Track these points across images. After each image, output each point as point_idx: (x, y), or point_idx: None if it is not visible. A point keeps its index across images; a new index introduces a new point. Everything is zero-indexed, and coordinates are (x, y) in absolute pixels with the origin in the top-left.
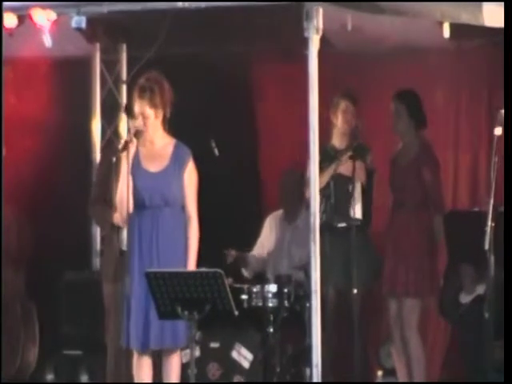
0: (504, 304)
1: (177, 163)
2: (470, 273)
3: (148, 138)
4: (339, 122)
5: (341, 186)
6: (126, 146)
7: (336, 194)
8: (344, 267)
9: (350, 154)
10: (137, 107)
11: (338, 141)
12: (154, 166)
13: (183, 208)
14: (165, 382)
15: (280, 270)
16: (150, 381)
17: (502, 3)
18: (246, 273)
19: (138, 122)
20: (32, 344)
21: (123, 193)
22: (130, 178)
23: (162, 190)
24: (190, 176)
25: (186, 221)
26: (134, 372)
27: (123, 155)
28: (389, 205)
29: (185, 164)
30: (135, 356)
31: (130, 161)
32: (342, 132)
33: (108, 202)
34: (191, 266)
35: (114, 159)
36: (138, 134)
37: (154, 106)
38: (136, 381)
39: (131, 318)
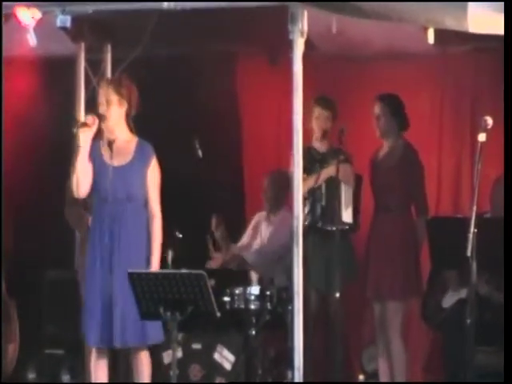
0: (504, 304)
1: (141, 159)
2: (452, 278)
3: (109, 128)
4: (314, 127)
5: (332, 189)
6: (84, 125)
7: (327, 197)
8: (327, 270)
9: (342, 157)
10: (102, 94)
11: (318, 143)
12: (116, 161)
13: (145, 205)
14: (140, 382)
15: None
16: (106, 381)
17: (487, 9)
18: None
19: (102, 108)
20: (12, 343)
21: (79, 178)
22: (91, 168)
23: (125, 185)
24: (154, 173)
25: (148, 218)
26: (92, 372)
27: (82, 138)
28: (371, 208)
29: (148, 160)
30: (93, 355)
31: (89, 147)
32: (317, 136)
33: (83, 204)
34: (155, 263)
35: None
36: (100, 117)
37: (119, 93)
38: (93, 381)
39: (92, 314)
